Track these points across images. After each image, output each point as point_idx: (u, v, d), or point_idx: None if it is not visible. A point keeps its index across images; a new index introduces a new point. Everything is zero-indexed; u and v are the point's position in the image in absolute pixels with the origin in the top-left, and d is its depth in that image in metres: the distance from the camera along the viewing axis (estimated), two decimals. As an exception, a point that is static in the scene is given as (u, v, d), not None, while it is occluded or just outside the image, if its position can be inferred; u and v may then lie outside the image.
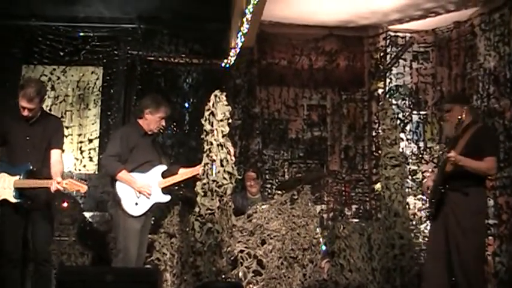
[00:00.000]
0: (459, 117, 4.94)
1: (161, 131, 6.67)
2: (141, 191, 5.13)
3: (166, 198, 5.26)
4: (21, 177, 4.82)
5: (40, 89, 4.94)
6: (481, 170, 4.89)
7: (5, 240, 4.88)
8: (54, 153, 5.01)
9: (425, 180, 5.47)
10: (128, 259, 5.02)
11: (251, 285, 4.98)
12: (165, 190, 5.27)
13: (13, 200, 4.81)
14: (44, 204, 4.99)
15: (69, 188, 4.81)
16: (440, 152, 5.09)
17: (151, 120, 5.30)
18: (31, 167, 4.85)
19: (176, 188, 5.59)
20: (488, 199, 6.38)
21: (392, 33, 7.73)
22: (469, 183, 4.89)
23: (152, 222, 5.68)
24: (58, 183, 4.73)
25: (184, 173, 5.28)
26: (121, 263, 5.01)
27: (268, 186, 7.66)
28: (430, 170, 5.26)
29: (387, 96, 7.53)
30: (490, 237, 6.37)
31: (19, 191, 4.81)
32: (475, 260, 4.84)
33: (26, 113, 4.87)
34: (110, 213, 5.37)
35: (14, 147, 4.96)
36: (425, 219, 6.74)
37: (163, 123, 5.39)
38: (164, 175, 5.28)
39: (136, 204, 5.12)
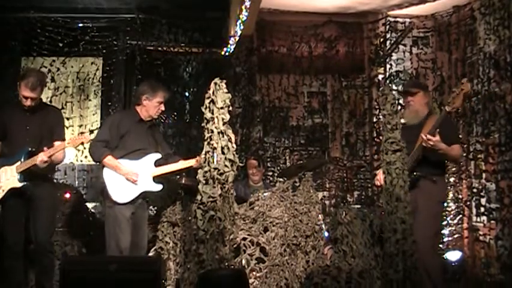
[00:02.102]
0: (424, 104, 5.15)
1: (162, 119, 6.62)
2: (127, 177, 5.09)
3: (157, 187, 5.19)
4: (22, 160, 4.88)
5: (42, 78, 5.03)
6: (455, 156, 5.09)
7: (7, 232, 4.92)
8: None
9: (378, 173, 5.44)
10: (120, 246, 4.99)
11: (254, 273, 4.99)
12: (159, 179, 5.22)
13: (19, 184, 4.86)
14: (47, 191, 5.05)
15: (73, 144, 4.92)
16: None
17: (150, 106, 5.26)
18: (29, 149, 4.90)
19: (178, 176, 5.58)
20: (490, 183, 6.45)
21: (391, 19, 7.69)
22: (436, 172, 5.05)
23: (155, 212, 5.68)
24: (44, 151, 4.80)
25: (179, 164, 5.25)
26: (113, 250, 4.99)
27: (270, 173, 7.67)
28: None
29: (387, 81, 7.52)
30: (492, 221, 6.40)
31: (23, 175, 4.86)
32: (430, 248, 4.92)
33: (28, 102, 4.90)
34: (99, 200, 5.35)
35: (13, 137, 5.02)
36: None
37: (162, 108, 5.33)
38: (159, 164, 5.25)
39: (123, 191, 5.07)
